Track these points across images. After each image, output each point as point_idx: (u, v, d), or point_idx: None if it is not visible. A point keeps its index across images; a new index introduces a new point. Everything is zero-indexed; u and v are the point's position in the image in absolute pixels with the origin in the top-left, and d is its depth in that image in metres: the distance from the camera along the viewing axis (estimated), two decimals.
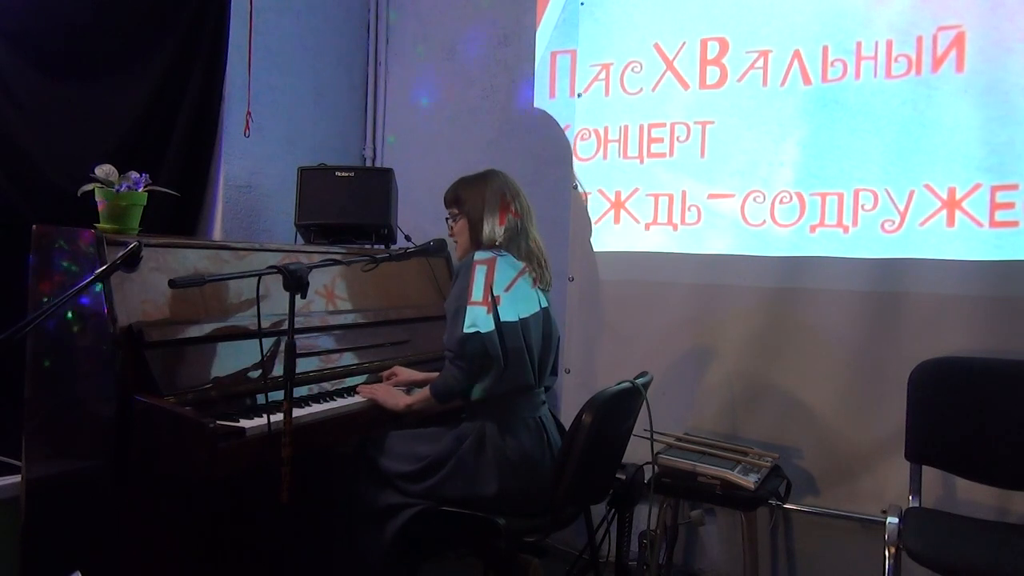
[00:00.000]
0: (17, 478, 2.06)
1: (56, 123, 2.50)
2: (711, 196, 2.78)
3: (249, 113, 2.97)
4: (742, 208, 2.72)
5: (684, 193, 2.82)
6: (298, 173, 2.91)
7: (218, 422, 1.75)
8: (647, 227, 2.90)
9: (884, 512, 2.20)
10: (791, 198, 2.64)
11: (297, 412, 1.94)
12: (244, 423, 1.85)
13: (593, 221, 3.00)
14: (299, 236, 2.97)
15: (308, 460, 1.94)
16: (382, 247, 2.97)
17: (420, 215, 3.30)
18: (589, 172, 3.02)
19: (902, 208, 2.48)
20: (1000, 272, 2.37)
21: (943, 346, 2.38)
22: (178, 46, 2.77)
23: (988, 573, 1.92)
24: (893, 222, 2.49)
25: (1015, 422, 2.22)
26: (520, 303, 2.03)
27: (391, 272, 2.72)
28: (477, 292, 1.97)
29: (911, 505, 2.30)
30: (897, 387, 2.37)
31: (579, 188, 3.05)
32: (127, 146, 2.64)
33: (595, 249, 3.00)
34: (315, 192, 2.87)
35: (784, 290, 2.67)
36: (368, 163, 3.62)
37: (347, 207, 2.85)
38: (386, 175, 2.95)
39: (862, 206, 2.54)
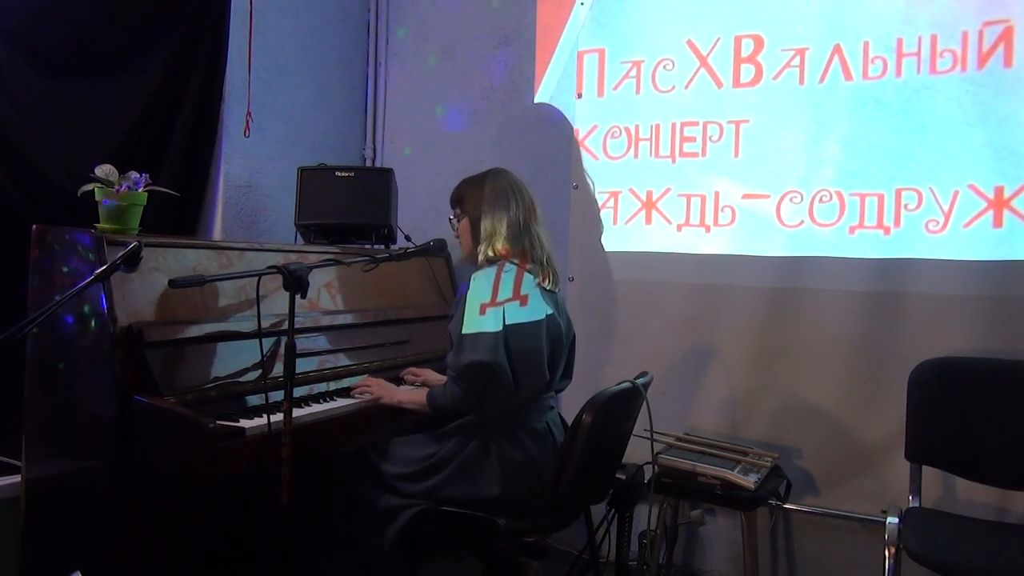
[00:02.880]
0: (17, 478, 2.05)
1: (56, 123, 2.49)
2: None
3: (249, 113, 2.97)
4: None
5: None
6: (298, 173, 2.90)
7: (218, 422, 1.75)
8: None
9: (884, 512, 2.20)
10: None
11: (297, 412, 1.94)
12: (244, 423, 1.85)
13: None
14: (299, 236, 2.96)
15: (308, 460, 1.94)
16: (382, 247, 2.96)
17: (420, 215, 3.31)
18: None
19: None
20: (1000, 272, 2.36)
21: (943, 346, 2.38)
22: (178, 46, 2.77)
23: (988, 573, 1.92)
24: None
25: (1015, 422, 2.22)
26: (528, 308, 1.97)
27: (391, 272, 2.72)
28: (484, 296, 1.94)
29: (911, 505, 2.30)
30: (897, 387, 2.37)
31: (580, 186, 3.05)
32: (127, 146, 2.63)
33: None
34: (315, 192, 2.87)
35: (784, 290, 2.67)
36: (368, 163, 3.62)
37: (347, 207, 2.85)
38: (386, 175, 2.95)
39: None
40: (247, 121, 2.97)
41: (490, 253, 2.05)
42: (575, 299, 3.04)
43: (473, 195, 2.13)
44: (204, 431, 1.72)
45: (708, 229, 2.80)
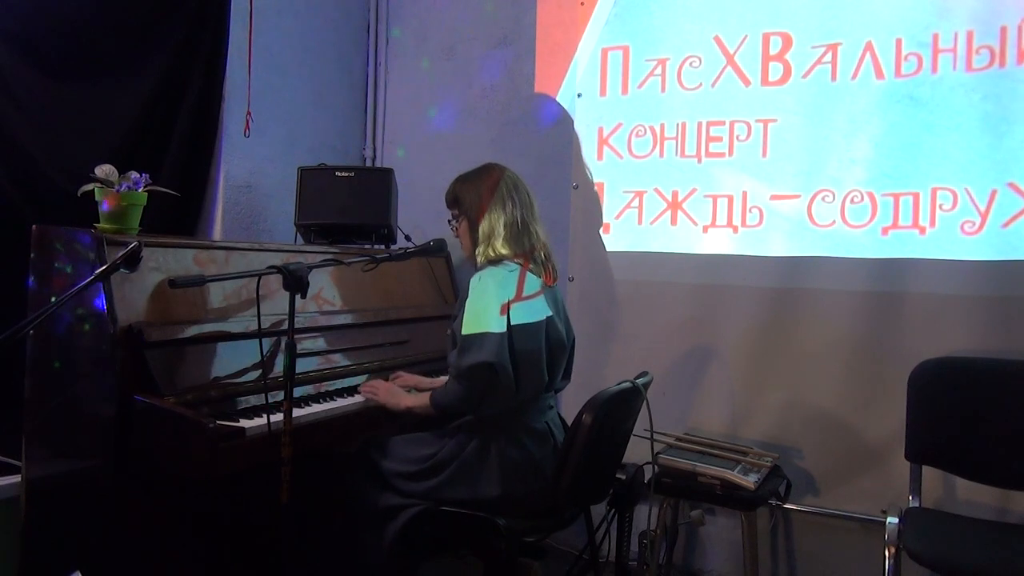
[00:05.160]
0: (17, 478, 2.05)
1: (56, 123, 2.49)
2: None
3: (249, 113, 2.97)
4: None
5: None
6: (298, 173, 2.91)
7: (218, 422, 1.76)
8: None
9: (884, 512, 2.20)
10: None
11: (297, 412, 1.94)
12: (244, 423, 1.85)
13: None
14: (299, 236, 2.96)
15: (308, 460, 1.94)
16: (382, 247, 2.97)
17: (420, 215, 3.30)
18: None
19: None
20: (1000, 272, 2.36)
21: (943, 346, 2.38)
22: (178, 46, 2.77)
23: (988, 573, 1.92)
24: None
25: (1015, 422, 2.22)
26: (530, 309, 1.97)
27: (391, 272, 2.72)
28: (486, 301, 1.92)
29: (911, 505, 2.30)
30: (897, 387, 2.37)
31: (580, 186, 3.04)
32: (127, 146, 2.64)
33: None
34: (315, 192, 2.87)
35: (784, 290, 2.67)
36: (368, 163, 3.62)
37: (347, 207, 2.85)
38: (386, 175, 2.95)
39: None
40: (247, 121, 2.97)
41: (491, 253, 2.03)
42: (575, 299, 3.04)
43: (469, 195, 2.10)
44: (204, 431, 1.72)
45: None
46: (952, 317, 2.42)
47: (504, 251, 2.03)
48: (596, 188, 3.03)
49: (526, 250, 2.05)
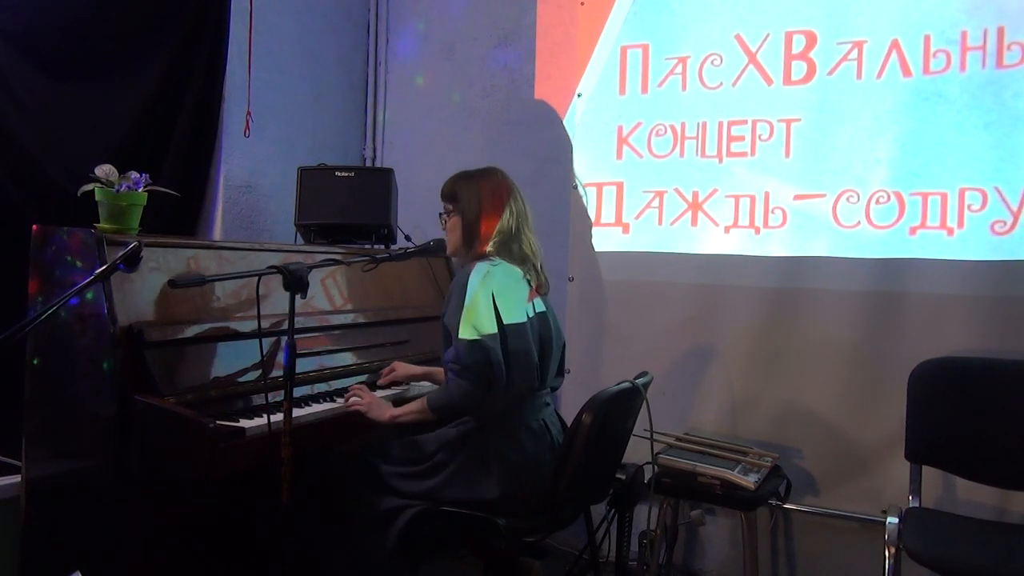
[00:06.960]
0: (17, 478, 2.05)
1: (57, 123, 2.50)
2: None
3: (249, 113, 2.97)
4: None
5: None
6: (298, 173, 2.90)
7: (218, 422, 1.75)
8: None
9: (884, 512, 2.20)
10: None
11: (297, 412, 1.94)
12: (244, 423, 1.85)
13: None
14: (299, 236, 2.96)
15: (308, 460, 1.94)
16: (382, 247, 2.96)
17: (420, 215, 3.30)
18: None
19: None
20: (1000, 272, 2.36)
21: (943, 346, 2.38)
22: (178, 46, 2.77)
23: (988, 573, 1.92)
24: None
25: (1015, 422, 2.22)
26: (518, 308, 1.98)
27: (391, 272, 2.72)
28: (476, 300, 1.92)
29: (911, 505, 2.30)
30: (897, 387, 2.37)
31: (579, 188, 3.04)
32: (127, 146, 2.64)
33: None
34: (315, 192, 2.87)
35: (784, 290, 2.67)
36: (368, 163, 3.62)
37: (347, 207, 2.85)
38: (386, 175, 2.95)
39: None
40: (247, 121, 2.97)
41: (477, 253, 2.05)
42: (575, 299, 3.04)
43: (467, 194, 2.10)
44: (204, 431, 1.72)
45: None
46: (952, 317, 2.42)
47: (492, 253, 2.04)
48: (593, 188, 3.02)
49: (515, 256, 2.05)
